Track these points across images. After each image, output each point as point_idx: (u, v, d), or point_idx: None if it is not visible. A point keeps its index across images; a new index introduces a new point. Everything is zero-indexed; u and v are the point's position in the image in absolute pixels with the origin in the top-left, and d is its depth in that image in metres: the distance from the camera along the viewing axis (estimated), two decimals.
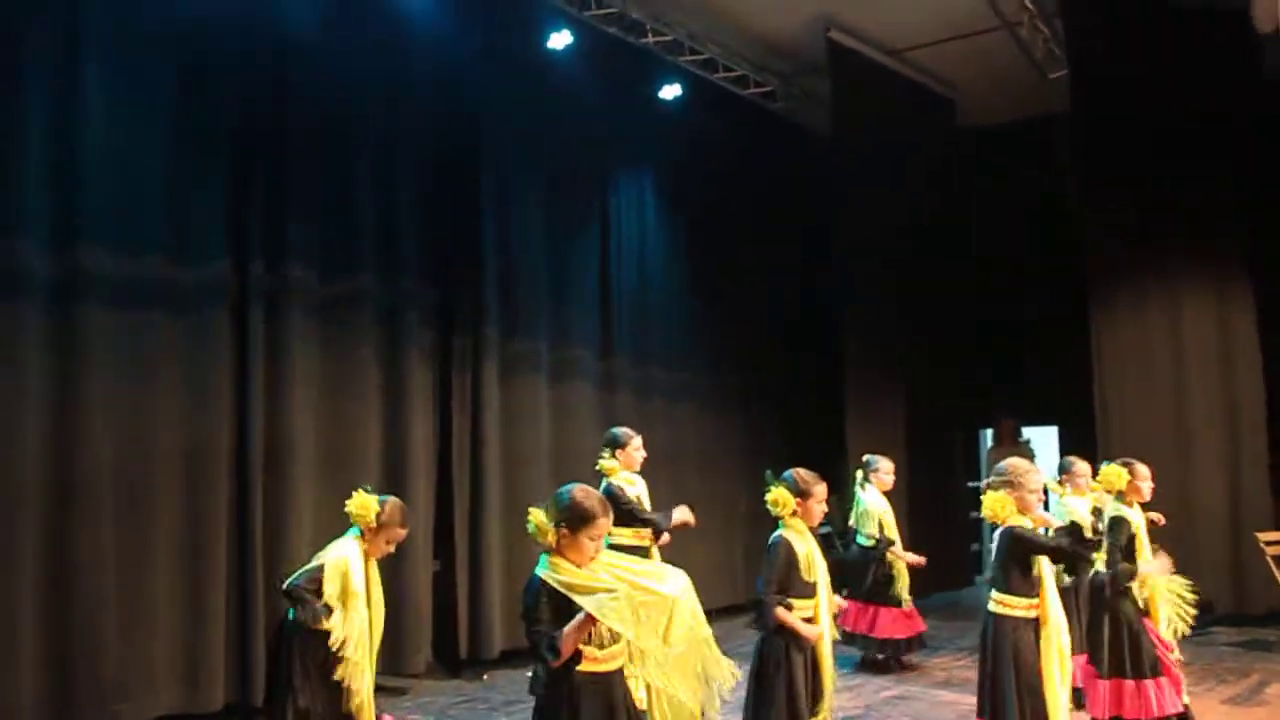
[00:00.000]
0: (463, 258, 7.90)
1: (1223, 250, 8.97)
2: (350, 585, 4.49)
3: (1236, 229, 9.02)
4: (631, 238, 9.61)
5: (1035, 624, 4.45)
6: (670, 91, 9.75)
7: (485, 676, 7.51)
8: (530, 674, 3.29)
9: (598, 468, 6.39)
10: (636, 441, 6.42)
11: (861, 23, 9.94)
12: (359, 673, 4.46)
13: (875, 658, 7.59)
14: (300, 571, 4.73)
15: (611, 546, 6.01)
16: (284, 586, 4.66)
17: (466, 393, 7.82)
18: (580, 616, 3.16)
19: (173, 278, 6.11)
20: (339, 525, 6.59)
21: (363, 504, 4.63)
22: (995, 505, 4.50)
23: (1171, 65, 8.91)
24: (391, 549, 4.75)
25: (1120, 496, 5.61)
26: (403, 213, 7.49)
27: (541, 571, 3.28)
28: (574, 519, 3.30)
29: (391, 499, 4.78)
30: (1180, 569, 5.71)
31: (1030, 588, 4.47)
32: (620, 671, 3.36)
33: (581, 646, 3.21)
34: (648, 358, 9.56)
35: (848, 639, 7.42)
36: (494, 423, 7.87)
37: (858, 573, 7.63)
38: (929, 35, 10.11)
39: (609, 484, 6.27)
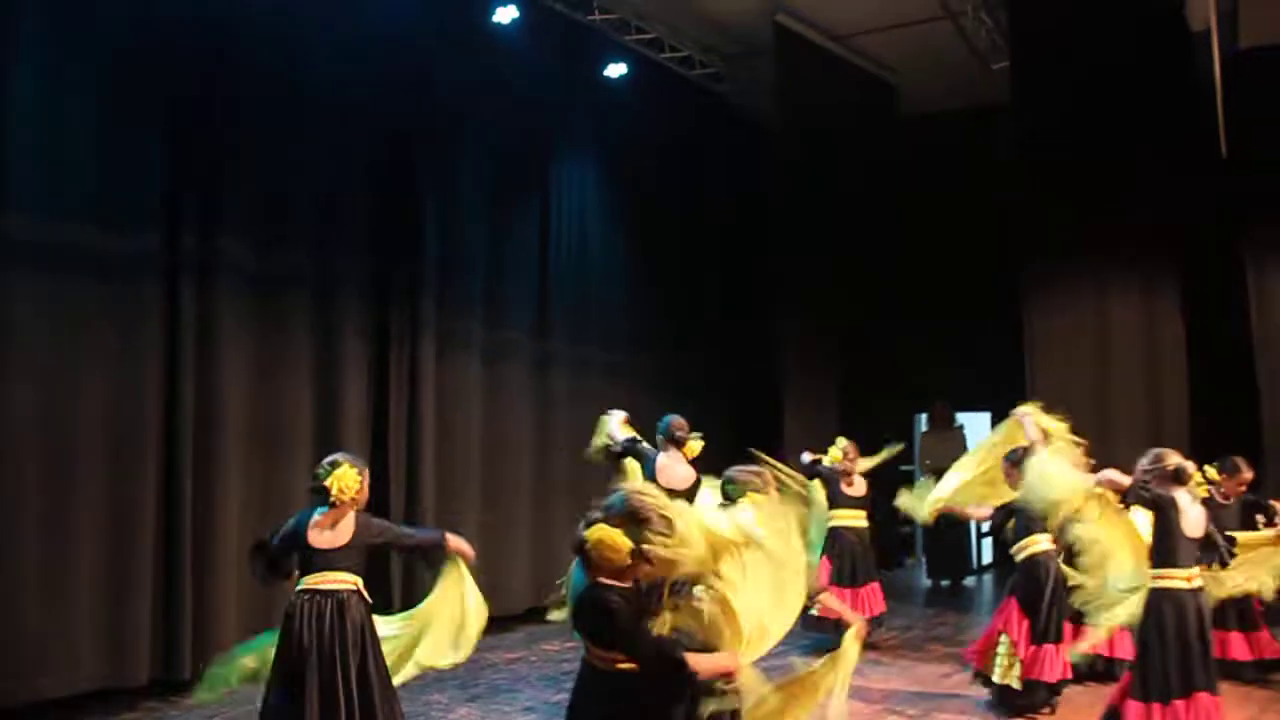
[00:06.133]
0: (401, 233, 7.81)
1: (1153, 243, 9.18)
2: None
3: (1167, 223, 9.23)
4: (572, 214, 9.55)
5: None
6: (615, 70, 9.71)
7: None
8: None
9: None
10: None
11: (809, 7, 10.00)
12: None
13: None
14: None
15: None
16: None
17: (403, 368, 7.75)
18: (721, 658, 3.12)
19: (103, 247, 5.96)
20: (270, 499, 6.49)
21: (348, 479, 4.37)
22: None
23: (1110, 60, 9.08)
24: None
25: None
26: (341, 186, 7.37)
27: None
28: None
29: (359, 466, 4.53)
30: None
31: None
32: None
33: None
34: (584, 337, 9.50)
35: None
36: (430, 399, 7.81)
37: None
38: (875, 22, 10.18)
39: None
